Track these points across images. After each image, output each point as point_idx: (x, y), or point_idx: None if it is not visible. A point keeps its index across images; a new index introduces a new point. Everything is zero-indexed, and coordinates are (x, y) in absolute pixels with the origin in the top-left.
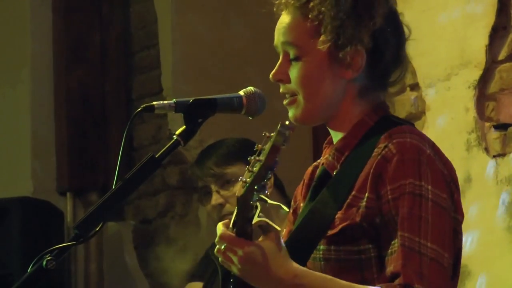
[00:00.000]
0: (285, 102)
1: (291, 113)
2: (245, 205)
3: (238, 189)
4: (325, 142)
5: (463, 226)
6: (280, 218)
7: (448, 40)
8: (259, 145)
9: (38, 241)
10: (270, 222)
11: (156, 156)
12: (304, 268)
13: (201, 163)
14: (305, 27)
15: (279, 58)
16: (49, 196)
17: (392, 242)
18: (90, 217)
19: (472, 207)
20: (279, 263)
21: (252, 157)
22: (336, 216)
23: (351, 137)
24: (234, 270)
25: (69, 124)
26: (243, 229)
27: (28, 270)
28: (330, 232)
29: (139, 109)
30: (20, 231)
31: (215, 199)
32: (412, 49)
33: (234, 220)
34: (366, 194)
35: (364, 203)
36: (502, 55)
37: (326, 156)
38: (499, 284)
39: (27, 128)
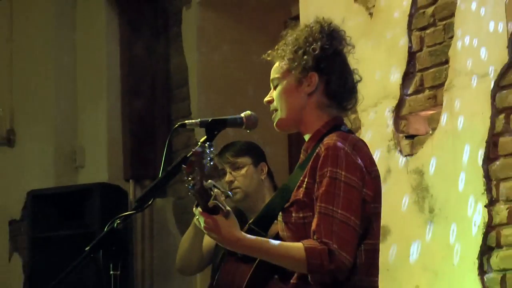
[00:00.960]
0: (272, 116)
1: (274, 122)
2: (200, 194)
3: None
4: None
5: (386, 201)
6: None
7: (376, 80)
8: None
9: (111, 211)
10: (219, 203)
11: (187, 156)
12: (246, 234)
13: (222, 154)
14: (282, 67)
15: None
16: (118, 182)
17: (316, 210)
18: (145, 195)
19: (391, 190)
20: (226, 230)
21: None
22: (292, 194)
23: (311, 141)
24: (206, 231)
25: (131, 134)
26: (205, 207)
27: (105, 229)
28: (286, 204)
29: (176, 126)
30: (99, 205)
31: (228, 177)
32: None
33: (196, 204)
34: (306, 179)
35: (304, 185)
36: (410, 90)
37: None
38: (407, 238)
39: (104, 136)
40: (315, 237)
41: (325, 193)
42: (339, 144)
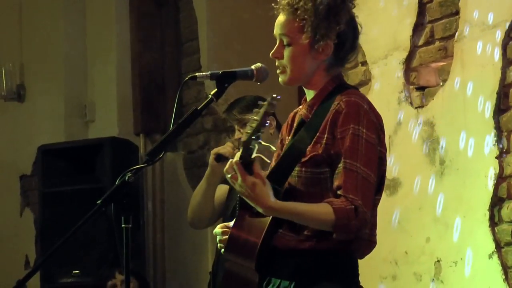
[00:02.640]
0: (278, 71)
1: (281, 78)
2: (247, 147)
3: (243, 136)
4: (303, 99)
5: (396, 153)
6: (270, 154)
7: (386, 32)
8: (255, 109)
9: (122, 165)
10: (263, 157)
11: (198, 108)
12: (277, 200)
13: (229, 111)
14: (294, 25)
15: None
16: (129, 136)
17: (339, 166)
18: (155, 149)
19: (401, 142)
20: (263, 191)
21: (250, 116)
22: (307, 149)
23: (317, 97)
24: (237, 188)
25: (141, 89)
26: (245, 162)
27: (116, 182)
28: (303, 159)
29: (186, 78)
30: (110, 159)
31: (237, 134)
32: (362, 39)
33: (240, 155)
34: (326, 135)
35: (324, 141)
36: (420, 42)
37: (303, 107)
38: (417, 190)
39: (114, 91)
40: (339, 192)
41: (350, 149)
42: (359, 101)
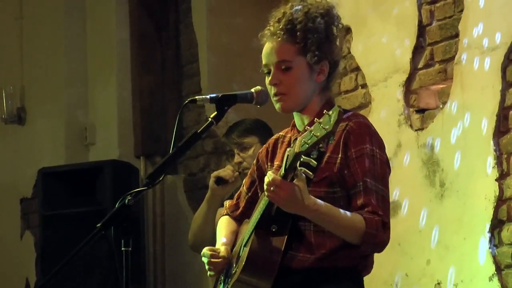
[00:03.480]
0: (275, 98)
1: (279, 105)
2: (297, 158)
3: (297, 146)
4: (291, 124)
5: (397, 176)
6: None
7: (386, 55)
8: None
9: (122, 188)
10: (307, 171)
11: (198, 131)
12: (319, 200)
13: (228, 135)
14: (292, 48)
15: (270, 72)
16: (129, 159)
17: (358, 185)
18: (155, 171)
19: (401, 164)
20: (306, 196)
21: (309, 129)
22: (318, 168)
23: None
24: (277, 201)
25: (142, 112)
26: (287, 175)
27: (116, 206)
28: (315, 179)
29: (186, 101)
30: (110, 183)
31: (237, 158)
32: (362, 62)
33: (285, 167)
34: (339, 155)
35: (338, 160)
36: (420, 65)
37: (291, 134)
38: (418, 213)
39: (114, 114)
40: (366, 210)
41: (370, 169)
42: (368, 123)
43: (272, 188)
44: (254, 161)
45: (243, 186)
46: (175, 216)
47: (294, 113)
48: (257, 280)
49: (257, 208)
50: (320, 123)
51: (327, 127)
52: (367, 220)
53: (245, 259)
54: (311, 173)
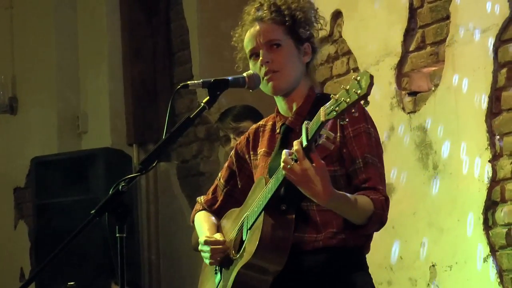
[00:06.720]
0: (266, 77)
1: (270, 84)
2: (322, 127)
3: (321, 115)
4: (275, 110)
5: (390, 159)
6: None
7: (377, 38)
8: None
9: (115, 176)
10: (327, 141)
11: (190, 116)
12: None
13: (223, 120)
14: (280, 29)
15: (258, 55)
16: (122, 147)
17: (357, 161)
18: (148, 157)
19: (394, 148)
20: (325, 178)
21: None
22: None
23: (305, 105)
24: (293, 179)
25: (133, 99)
26: (310, 147)
27: (109, 192)
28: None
29: (178, 87)
30: (103, 171)
31: (233, 143)
32: (354, 45)
33: (307, 138)
34: (338, 134)
35: (338, 139)
36: (412, 47)
37: (277, 120)
38: (411, 195)
39: (106, 102)
40: (367, 184)
41: (368, 145)
42: (361, 104)
43: (292, 162)
44: (232, 153)
45: (220, 179)
46: (168, 203)
47: (279, 99)
48: (269, 264)
49: (253, 193)
50: (347, 89)
51: (359, 91)
52: (374, 201)
53: (258, 241)
54: (332, 144)
